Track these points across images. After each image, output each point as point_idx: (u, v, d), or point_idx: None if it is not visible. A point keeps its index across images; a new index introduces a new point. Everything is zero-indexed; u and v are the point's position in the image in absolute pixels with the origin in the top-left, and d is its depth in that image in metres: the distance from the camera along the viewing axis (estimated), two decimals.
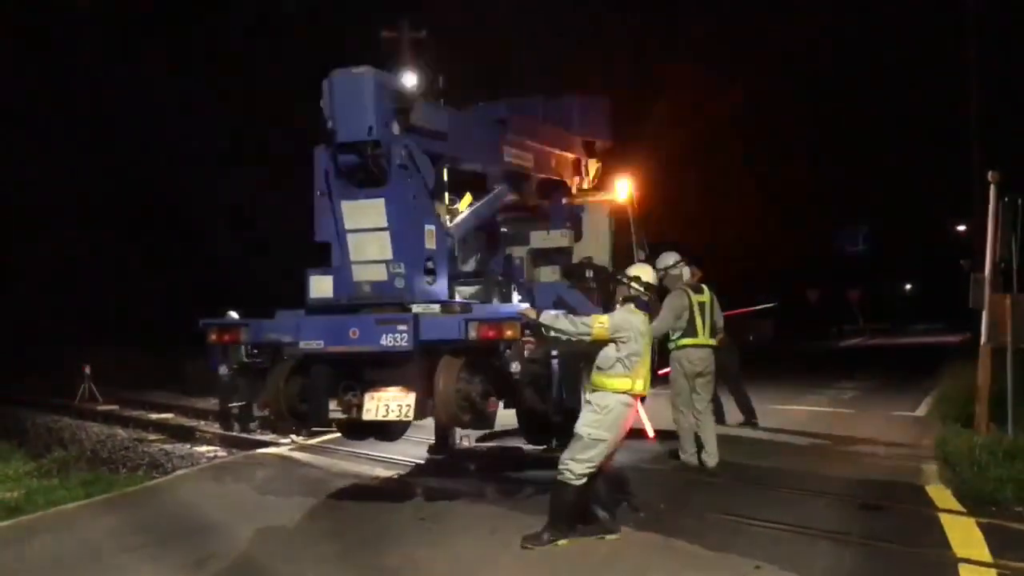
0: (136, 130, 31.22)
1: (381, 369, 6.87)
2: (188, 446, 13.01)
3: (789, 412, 11.62)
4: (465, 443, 9.52)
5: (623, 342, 5.74)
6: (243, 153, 31.65)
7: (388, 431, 7.86)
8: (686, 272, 8.53)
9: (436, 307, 7.11)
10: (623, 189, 9.94)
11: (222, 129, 30.38)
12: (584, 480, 5.70)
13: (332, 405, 6.94)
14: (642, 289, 6.01)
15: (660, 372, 7.76)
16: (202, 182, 30.97)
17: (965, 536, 5.80)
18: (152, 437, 14.22)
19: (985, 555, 5.40)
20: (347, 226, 7.05)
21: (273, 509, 7.42)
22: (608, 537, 5.86)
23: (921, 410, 12.27)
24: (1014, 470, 7.23)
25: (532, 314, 6.16)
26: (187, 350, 23.35)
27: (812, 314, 39.41)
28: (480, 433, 9.26)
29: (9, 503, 7.77)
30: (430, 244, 7.17)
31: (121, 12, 31.39)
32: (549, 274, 9.24)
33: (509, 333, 6.50)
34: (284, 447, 10.96)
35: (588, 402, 5.85)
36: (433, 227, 7.23)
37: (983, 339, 9.26)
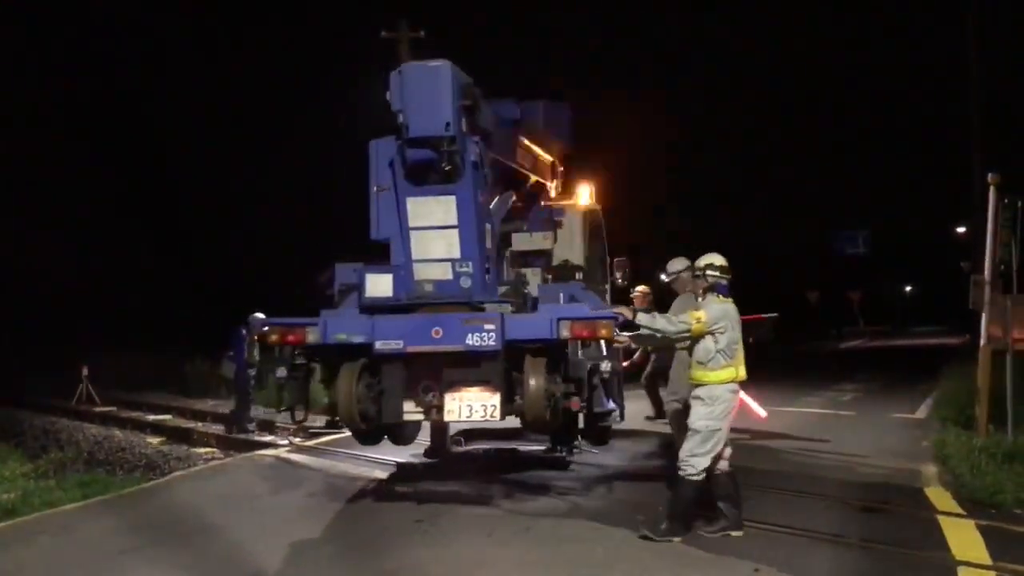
0: (136, 131, 31.24)
1: (460, 369, 6.76)
2: (185, 447, 12.98)
3: (788, 414, 11.60)
4: (461, 446, 9.50)
5: (721, 333, 5.79)
6: (242, 153, 31.68)
7: (402, 435, 7.79)
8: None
9: (508, 306, 7.08)
10: (589, 194, 9.98)
11: (221, 131, 30.42)
12: (704, 475, 5.76)
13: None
14: (719, 274, 6.01)
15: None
16: (201, 184, 31.00)
17: (964, 538, 5.78)
18: (150, 438, 14.17)
19: (984, 558, 5.38)
20: (411, 223, 6.93)
21: (270, 511, 7.40)
22: (733, 534, 5.85)
23: (921, 412, 12.25)
24: (1013, 472, 7.23)
25: (628, 314, 6.25)
26: (185, 351, 23.42)
27: (812, 316, 39.40)
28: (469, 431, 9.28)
29: (6, 504, 7.75)
30: (489, 244, 7.17)
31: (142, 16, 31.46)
32: (531, 276, 9.24)
33: (603, 333, 6.57)
34: (282, 449, 10.94)
35: (697, 397, 5.87)
36: (490, 227, 7.21)
37: (983, 341, 9.25)
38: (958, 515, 6.41)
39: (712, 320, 5.79)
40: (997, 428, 8.83)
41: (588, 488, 7.64)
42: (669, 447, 8.95)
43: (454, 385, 6.72)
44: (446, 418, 6.72)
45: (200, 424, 15.29)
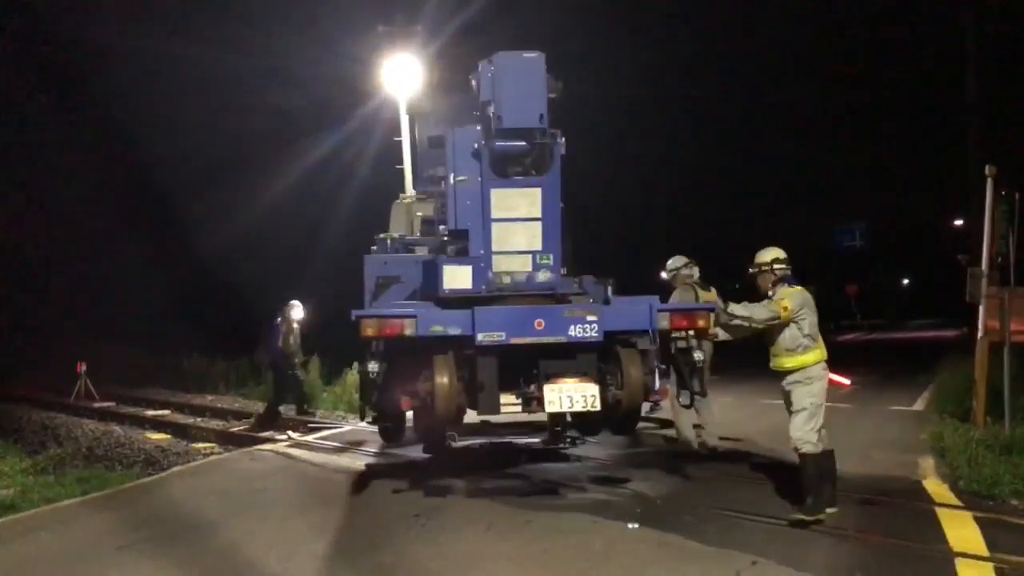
0: (137, 129, 31.13)
1: (557, 360, 6.73)
2: (184, 443, 12.96)
3: (782, 407, 11.61)
4: (456, 441, 9.50)
5: (803, 319, 6.18)
6: (242, 153, 31.59)
7: (620, 424, 7.71)
8: (695, 271, 8.81)
9: (588, 298, 7.12)
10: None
11: (221, 132, 30.33)
12: (820, 446, 6.13)
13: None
14: (785, 266, 6.42)
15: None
16: (200, 181, 30.93)
17: (962, 530, 5.80)
18: (148, 434, 14.16)
19: (982, 549, 5.40)
20: (494, 215, 6.90)
21: (268, 506, 7.40)
22: (829, 511, 6.08)
23: (918, 405, 12.28)
24: (1010, 464, 7.24)
25: (722, 304, 6.52)
26: (184, 347, 23.41)
27: None
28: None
29: (5, 500, 7.75)
30: (563, 236, 7.19)
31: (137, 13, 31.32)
32: None
33: (701, 323, 6.75)
34: (280, 443, 10.95)
35: (796, 381, 6.20)
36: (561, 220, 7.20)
37: (980, 333, 9.26)
38: (955, 507, 6.43)
39: (796, 308, 6.18)
40: (994, 420, 8.84)
41: (586, 480, 7.65)
42: (667, 438, 9.00)
43: (552, 376, 6.68)
44: (547, 409, 6.67)
45: (199, 419, 15.28)
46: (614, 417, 7.46)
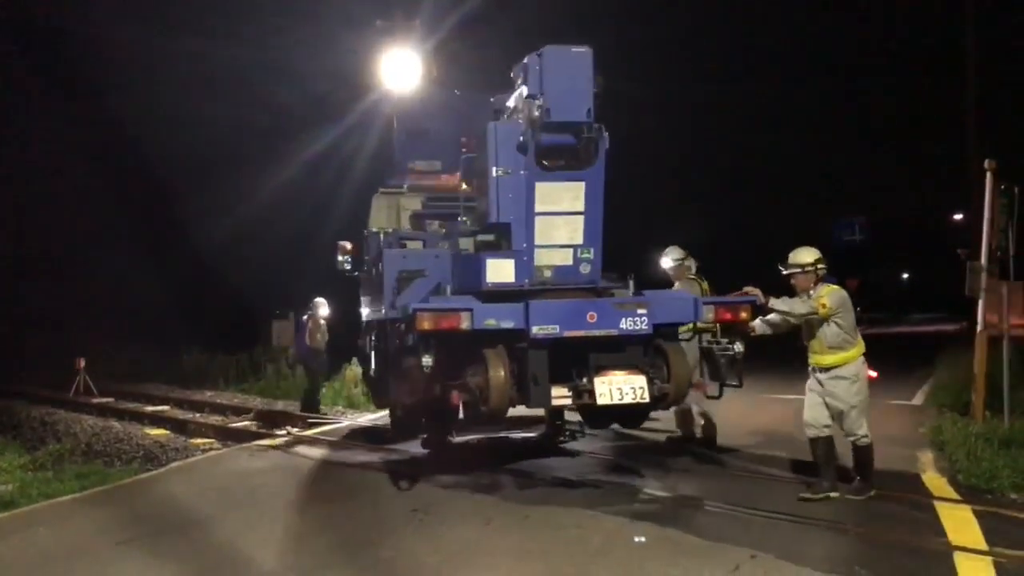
0: (133, 123, 31.07)
1: (607, 353, 6.80)
2: (183, 438, 12.96)
3: (785, 401, 11.60)
4: (453, 437, 9.49)
5: (841, 317, 6.38)
6: (241, 152, 31.53)
7: (630, 417, 7.67)
8: (692, 264, 8.85)
9: (627, 291, 7.20)
10: None
11: (219, 127, 30.26)
12: (869, 437, 6.47)
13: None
14: (823, 266, 6.58)
15: None
16: (199, 176, 30.89)
17: (960, 524, 5.79)
18: (147, 429, 14.16)
19: (980, 543, 5.40)
20: (538, 208, 6.92)
21: (267, 501, 7.40)
22: (832, 495, 6.45)
23: (917, 399, 12.27)
24: (1009, 458, 7.24)
25: (763, 297, 6.65)
26: (183, 342, 23.42)
27: None
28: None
29: (4, 496, 7.76)
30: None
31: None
32: None
33: (744, 316, 6.87)
34: (279, 439, 10.94)
35: (842, 376, 6.43)
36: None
37: (979, 327, 9.25)
38: (954, 501, 6.42)
39: (835, 306, 6.37)
40: (993, 414, 8.85)
41: (585, 475, 7.64)
42: (665, 433, 8.99)
43: (602, 369, 6.73)
44: (599, 401, 6.67)
45: (198, 415, 15.28)
46: (657, 409, 7.51)
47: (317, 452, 9.68)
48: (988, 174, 9.17)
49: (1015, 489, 6.64)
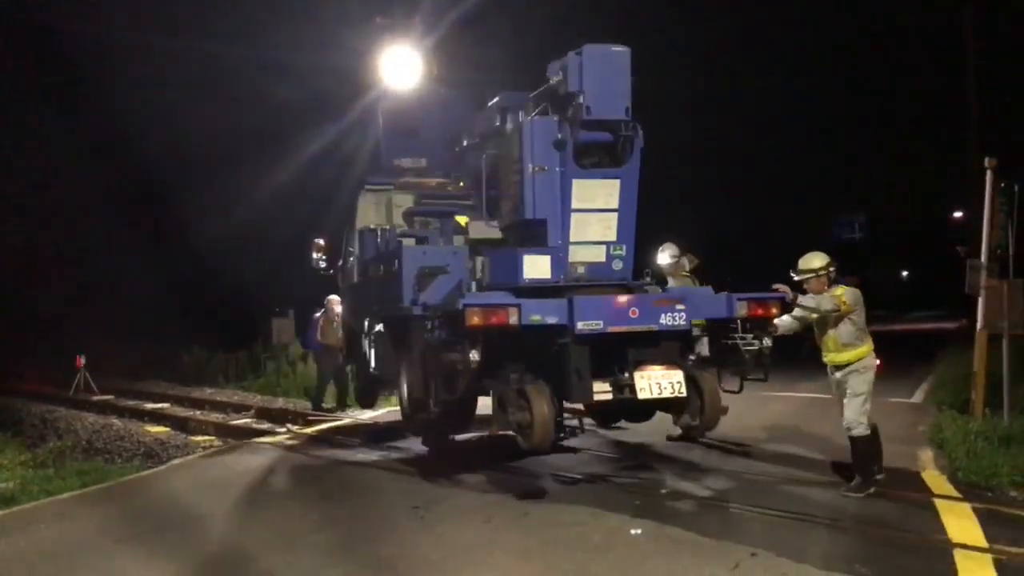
0: (133, 122, 31.04)
1: (645, 348, 6.89)
2: (184, 436, 12.98)
3: (784, 399, 11.62)
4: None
5: (857, 314, 6.64)
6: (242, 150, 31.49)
7: (641, 412, 7.83)
8: (686, 262, 8.94)
9: (658, 288, 7.36)
10: None
11: (218, 125, 30.22)
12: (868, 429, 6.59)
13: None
14: (834, 269, 6.83)
15: None
16: (198, 174, 30.87)
17: (960, 522, 5.80)
18: (148, 427, 14.17)
19: (980, 540, 5.40)
20: (574, 205, 6.97)
21: (267, 499, 7.42)
22: (878, 477, 6.59)
23: (917, 396, 12.28)
24: (1009, 455, 7.25)
25: (791, 295, 6.85)
26: (182, 340, 23.41)
27: None
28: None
29: (5, 493, 7.77)
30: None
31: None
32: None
33: (774, 311, 7.04)
34: (280, 436, 10.96)
35: (855, 370, 6.63)
36: None
37: (979, 325, 9.26)
38: (954, 498, 6.43)
39: (852, 303, 6.61)
40: (993, 412, 8.85)
41: (585, 472, 7.65)
42: (664, 430, 8.98)
43: (641, 364, 6.84)
44: (639, 396, 6.78)
45: (198, 412, 15.29)
46: (691, 438, 7.84)
47: (318, 450, 9.69)
48: (988, 172, 9.17)
49: (1015, 486, 6.65)
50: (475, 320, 6.48)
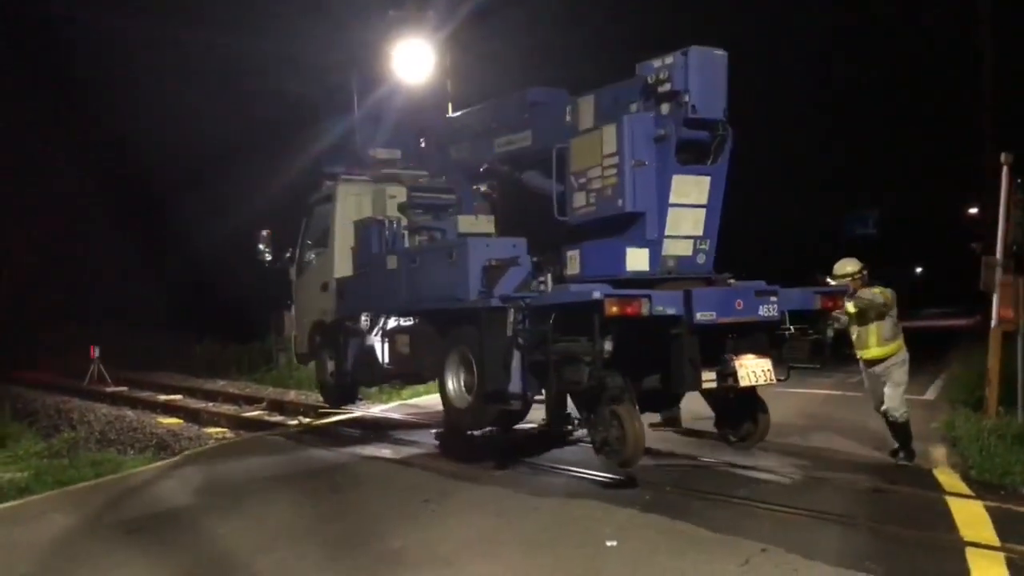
0: (145, 113, 31.13)
1: (741, 338, 7.24)
2: (196, 427, 13.05)
3: (796, 395, 11.57)
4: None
5: (893, 312, 7.40)
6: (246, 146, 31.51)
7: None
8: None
9: (733, 280, 7.59)
10: None
11: (232, 116, 30.26)
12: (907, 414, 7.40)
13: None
14: (866, 272, 7.57)
15: None
16: (212, 166, 30.94)
17: (972, 520, 5.77)
18: (161, 418, 14.27)
19: (992, 539, 5.37)
20: (671, 200, 7.20)
21: (279, 490, 7.45)
22: (906, 463, 7.34)
23: (930, 393, 12.20)
24: (1022, 453, 7.20)
25: (852, 288, 7.44)
26: (195, 332, 23.52)
27: None
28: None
29: (20, 483, 7.83)
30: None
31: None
32: None
33: (840, 304, 7.51)
34: (292, 428, 11.01)
35: (896, 363, 7.42)
36: None
37: (993, 322, 9.19)
38: (967, 496, 6.39)
39: (893, 300, 7.38)
40: (1007, 410, 8.79)
41: (595, 466, 7.64)
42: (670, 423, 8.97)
43: (738, 353, 7.16)
44: (741, 383, 7.05)
45: (211, 404, 15.38)
46: (745, 447, 8.12)
47: (328, 442, 9.72)
48: (1004, 168, 9.09)
49: None
50: (613, 310, 6.59)
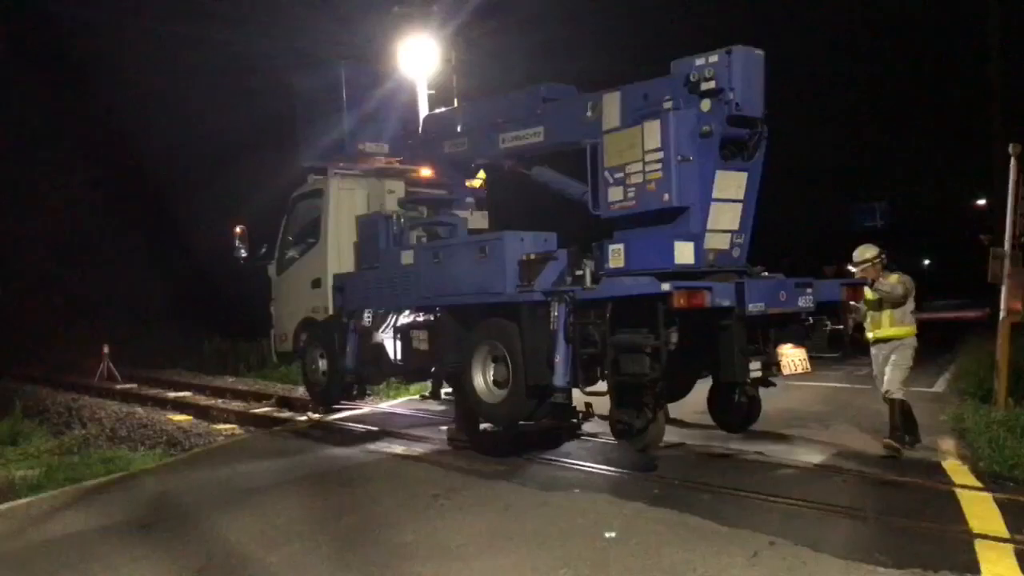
0: (154, 112, 31.19)
1: (780, 328, 7.45)
2: (206, 424, 13.11)
3: (804, 388, 11.57)
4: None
5: (912, 296, 7.69)
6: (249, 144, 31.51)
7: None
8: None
9: (765, 273, 7.78)
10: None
11: (242, 111, 30.28)
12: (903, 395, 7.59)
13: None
14: (884, 256, 7.84)
15: None
16: (219, 162, 30.99)
17: (982, 512, 5.77)
18: (170, 415, 14.33)
19: (1002, 531, 5.37)
20: (714, 195, 7.36)
21: (289, 485, 7.49)
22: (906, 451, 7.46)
23: (939, 386, 12.18)
24: None
25: (871, 279, 7.72)
26: (205, 330, 23.59)
27: None
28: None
29: (31, 480, 7.90)
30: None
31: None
32: None
33: (860, 295, 7.80)
34: (301, 424, 11.05)
35: (905, 345, 7.72)
36: None
37: (1002, 314, 9.17)
38: (976, 488, 6.39)
39: (912, 289, 7.67)
40: (1016, 401, 8.77)
41: (603, 461, 7.67)
42: (682, 413, 8.98)
43: (778, 343, 7.38)
44: (783, 372, 7.27)
45: (220, 401, 15.44)
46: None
47: (339, 438, 9.76)
48: (1012, 159, 9.06)
49: None
50: (681, 302, 6.65)
